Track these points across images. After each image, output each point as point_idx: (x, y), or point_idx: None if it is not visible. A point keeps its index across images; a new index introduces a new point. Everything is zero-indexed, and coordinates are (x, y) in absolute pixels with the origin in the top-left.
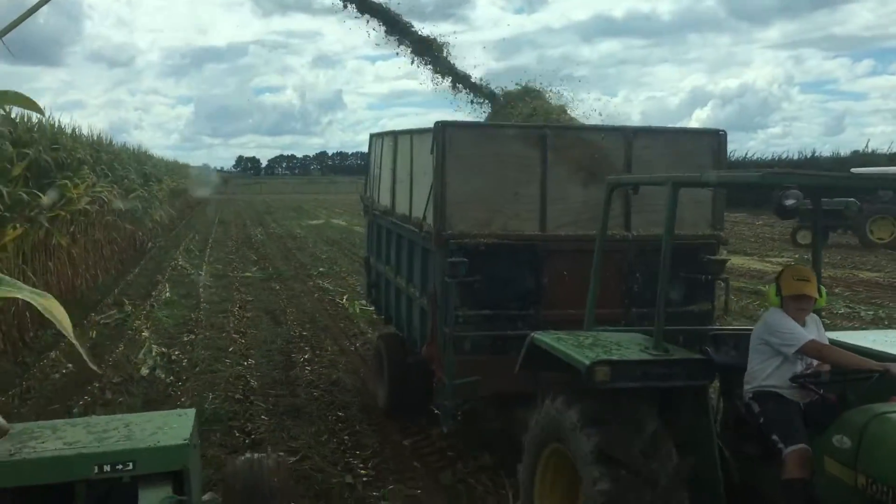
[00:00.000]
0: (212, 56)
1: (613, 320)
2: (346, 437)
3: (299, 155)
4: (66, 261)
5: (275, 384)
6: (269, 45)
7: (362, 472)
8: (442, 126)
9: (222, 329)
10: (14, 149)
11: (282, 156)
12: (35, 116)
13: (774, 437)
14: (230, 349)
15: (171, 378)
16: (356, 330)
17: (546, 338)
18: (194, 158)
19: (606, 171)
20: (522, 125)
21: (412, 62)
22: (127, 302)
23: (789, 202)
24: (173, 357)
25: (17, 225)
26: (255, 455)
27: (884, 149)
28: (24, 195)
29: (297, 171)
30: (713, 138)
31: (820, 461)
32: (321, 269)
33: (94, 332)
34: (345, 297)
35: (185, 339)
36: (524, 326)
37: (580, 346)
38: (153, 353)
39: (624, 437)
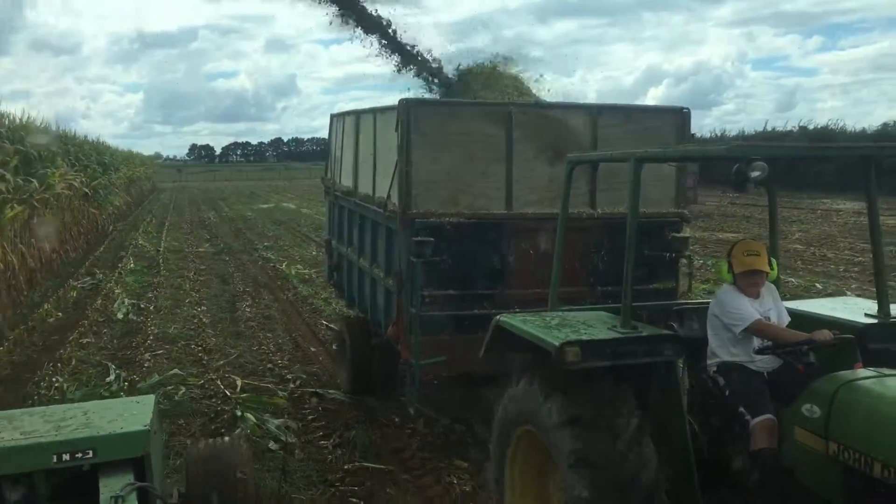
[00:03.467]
0: (161, 41)
1: (579, 298)
2: (270, 346)
3: (254, 142)
4: None
5: (222, 319)
6: (220, 29)
7: (279, 363)
8: (406, 104)
9: (180, 288)
10: (11, 144)
11: (236, 143)
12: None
13: (741, 408)
14: (187, 300)
15: (142, 318)
16: (290, 286)
17: (512, 320)
18: (146, 147)
19: (572, 149)
20: (487, 102)
21: (372, 45)
22: (98, 271)
23: (755, 174)
24: (141, 306)
25: (15, 205)
26: (218, 439)
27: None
28: (21, 181)
29: (252, 159)
30: (677, 116)
31: (790, 431)
32: (266, 244)
33: (75, 293)
34: (284, 264)
35: (150, 294)
36: (491, 306)
37: (547, 327)
38: (125, 303)
39: (604, 441)
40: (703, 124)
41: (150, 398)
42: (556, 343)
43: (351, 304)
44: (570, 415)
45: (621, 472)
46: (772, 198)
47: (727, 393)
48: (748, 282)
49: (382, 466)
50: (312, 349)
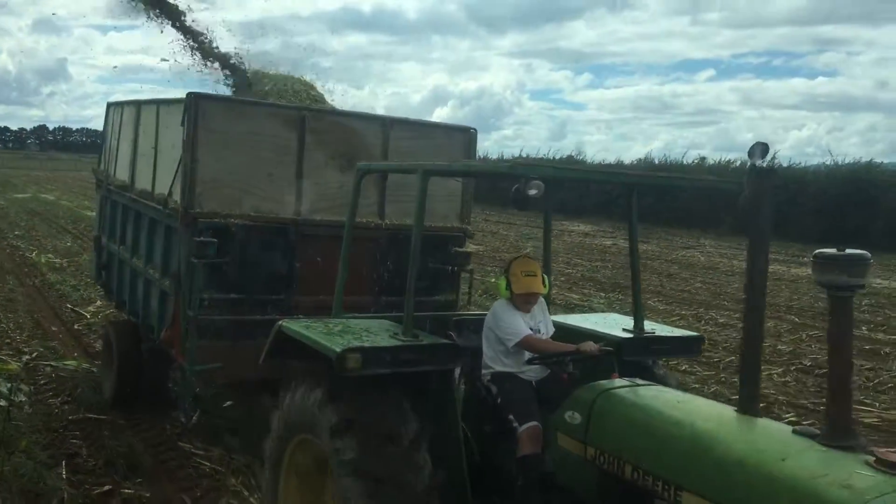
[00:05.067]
0: None
1: (364, 307)
2: (10, 325)
3: (14, 127)
4: None
5: None
6: None
7: (18, 338)
8: (195, 97)
9: None
10: None
11: None
12: None
13: (510, 416)
14: None
15: None
16: (38, 273)
17: (295, 325)
18: None
19: (363, 158)
20: (281, 104)
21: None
22: None
23: (533, 192)
24: None
25: None
26: None
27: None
28: None
29: (11, 145)
30: (465, 135)
31: (553, 437)
32: (17, 233)
33: None
34: (34, 253)
35: None
36: (274, 311)
37: (330, 334)
38: None
39: (380, 450)
40: (484, 146)
41: None
42: (338, 349)
43: (121, 306)
44: (348, 421)
45: (396, 477)
46: (547, 217)
47: (499, 401)
48: (524, 300)
49: (103, 416)
50: (54, 328)
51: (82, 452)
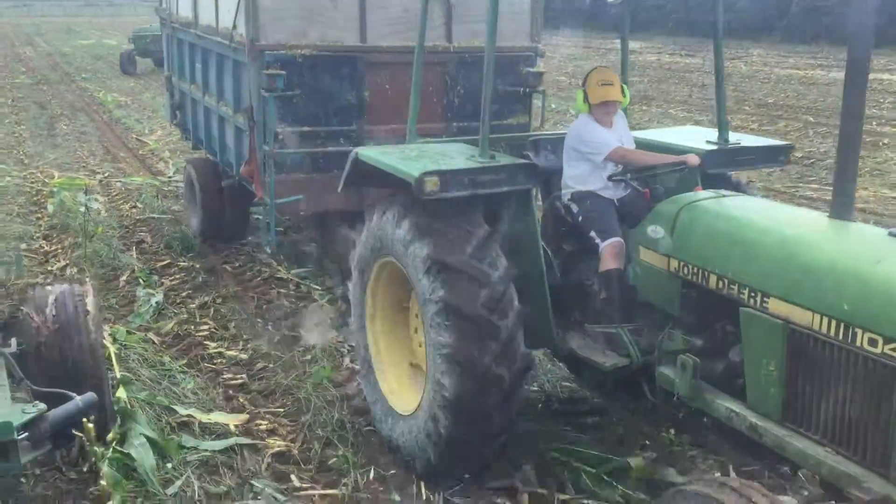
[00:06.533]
0: None
1: (435, 134)
2: (85, 152)
3: None
4: None
5: (40, 135)
6: None
7: (92, 163)
8: None
9: None
10: None
11: None
12: None
13: (592, 233)
14: (6, 121)
15: None
16: (106, 110)
17: (371, 152)
18: None
19: None
20: None
21: None
22: None
23: None
24: None
25: None
26: (60, 286)
27: None
28: None
29: None
30: None
31: (635, 251)
32: (85, 76)
33: None
34: (101, 93)
35: None
36: (347, 142)
37: (406, 159)
38: None
39: (454, 244)
40: None
41: None
42: (416, 174)
43: (198, 145)
44: (423, 231)
45: (470, 269)
46: (624, 30)
47: (580, 219)
48: (603, 111)
49: (164, 216)
50: (121, 154)
51: (147, 240)
